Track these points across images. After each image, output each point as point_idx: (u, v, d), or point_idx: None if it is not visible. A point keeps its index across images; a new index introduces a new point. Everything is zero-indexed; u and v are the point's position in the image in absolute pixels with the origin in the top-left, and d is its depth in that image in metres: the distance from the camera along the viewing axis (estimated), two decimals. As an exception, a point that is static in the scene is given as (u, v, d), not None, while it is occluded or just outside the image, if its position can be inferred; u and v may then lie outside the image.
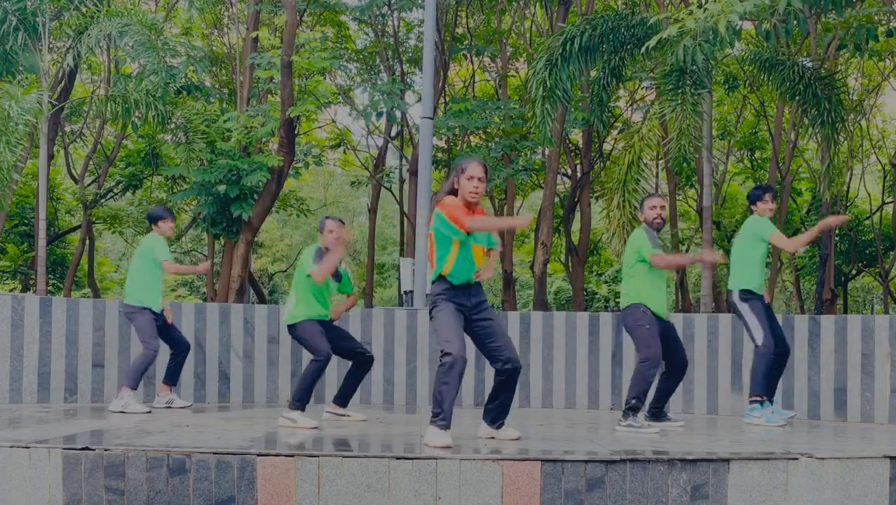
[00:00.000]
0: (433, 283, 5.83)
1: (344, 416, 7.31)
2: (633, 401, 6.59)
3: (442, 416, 5.41)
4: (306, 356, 9.07)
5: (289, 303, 7.07)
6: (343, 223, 7.17)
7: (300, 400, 6.61)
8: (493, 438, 5.89)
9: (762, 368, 7.31)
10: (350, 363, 7.29)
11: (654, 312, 6.71)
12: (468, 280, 5.76)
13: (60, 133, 20.84)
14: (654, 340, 6.61)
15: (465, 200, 5.69)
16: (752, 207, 7.65)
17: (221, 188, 15.72)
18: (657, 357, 6.59)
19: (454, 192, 5.73)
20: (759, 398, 7.40)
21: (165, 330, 8.08)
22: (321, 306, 7.03)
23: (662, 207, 6.94)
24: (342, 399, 7.31)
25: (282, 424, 6.55)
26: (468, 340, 5.76)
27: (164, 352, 8.24)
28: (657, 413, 7.04)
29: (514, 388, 5.85)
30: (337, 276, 7.26)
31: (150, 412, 7.62)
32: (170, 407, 8.11)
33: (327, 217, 7.15)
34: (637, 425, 6.55)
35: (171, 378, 8.17)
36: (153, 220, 8.12)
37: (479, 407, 9.00)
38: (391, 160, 26.03)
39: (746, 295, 7.40)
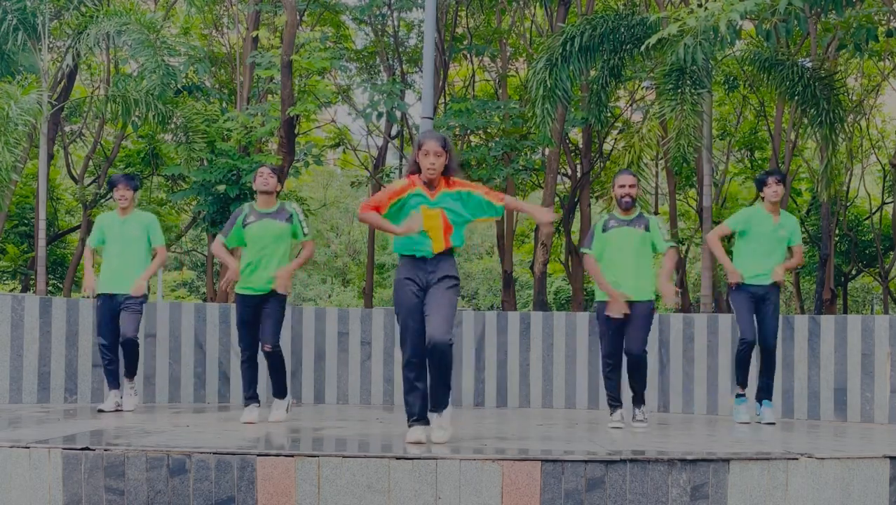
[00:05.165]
0: None
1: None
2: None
3: (407, 412, 5.50)
4: (306, 356, 9.07)
5: None
6: (275, 172, 6.74)
7: (246, 395, 6.89)
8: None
9: (736, 359, 7.58)
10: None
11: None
12: (414, 252, 5.34)
13: (60, 133, 20.83)
14: (604, 337, 6.98)
15: (426, 177, 5.32)
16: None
17: (221, 188, 15.72)
18: (604, 351, 7.04)
19: (417, 166, 5.35)
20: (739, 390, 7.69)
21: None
22: (251, 275, 6.70)
23: (631, 186, 6.71)
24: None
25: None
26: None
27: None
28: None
29: (441, 369, 5.21)
30: (283, 216, 6.72)
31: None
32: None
33: (262, 164, 6.96)
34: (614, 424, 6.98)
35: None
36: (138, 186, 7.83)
37: (480, 407, 8.99)
38: (391, 160, 26.01)
39: (731, 289, 7.54)
